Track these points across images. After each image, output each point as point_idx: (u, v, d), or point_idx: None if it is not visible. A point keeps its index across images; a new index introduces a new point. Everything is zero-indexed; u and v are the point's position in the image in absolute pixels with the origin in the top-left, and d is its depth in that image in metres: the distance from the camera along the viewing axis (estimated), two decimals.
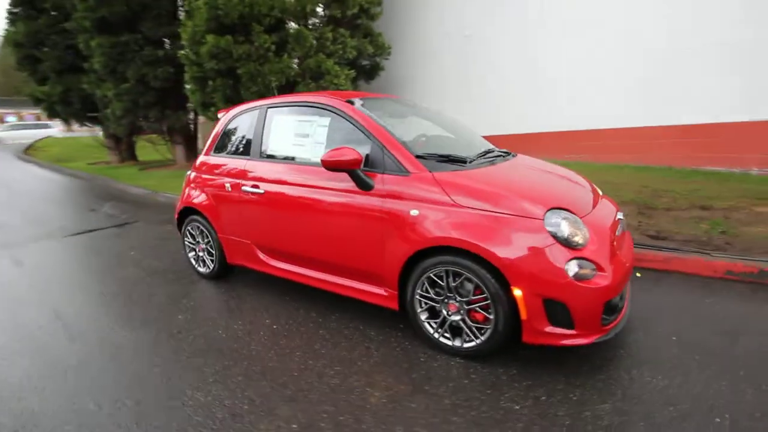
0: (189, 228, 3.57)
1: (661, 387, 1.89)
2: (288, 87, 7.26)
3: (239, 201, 3.05)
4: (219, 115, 3.52)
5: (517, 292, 1.94)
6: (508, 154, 2.82)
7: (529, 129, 7.94)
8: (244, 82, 7.02)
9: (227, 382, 2.10)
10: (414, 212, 2.19)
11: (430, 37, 9.16)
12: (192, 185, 3.49)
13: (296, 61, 7.36)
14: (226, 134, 3.33)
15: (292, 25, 7.38)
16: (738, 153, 5.87)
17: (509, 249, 1.95)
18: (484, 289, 2.03)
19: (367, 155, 2.39)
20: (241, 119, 3.26)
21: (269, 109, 3.00)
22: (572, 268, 1.90)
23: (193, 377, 2.14)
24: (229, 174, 3.16)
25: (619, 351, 2.19)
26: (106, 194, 8.05)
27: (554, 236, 1.93)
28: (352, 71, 7.69)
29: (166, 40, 9.92)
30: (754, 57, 5.58)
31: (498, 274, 1.99)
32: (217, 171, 3.27)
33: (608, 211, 2.38)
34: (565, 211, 2.03)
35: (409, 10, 9.29)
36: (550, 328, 1.95)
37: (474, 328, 2.13)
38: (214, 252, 3.39)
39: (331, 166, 2.32)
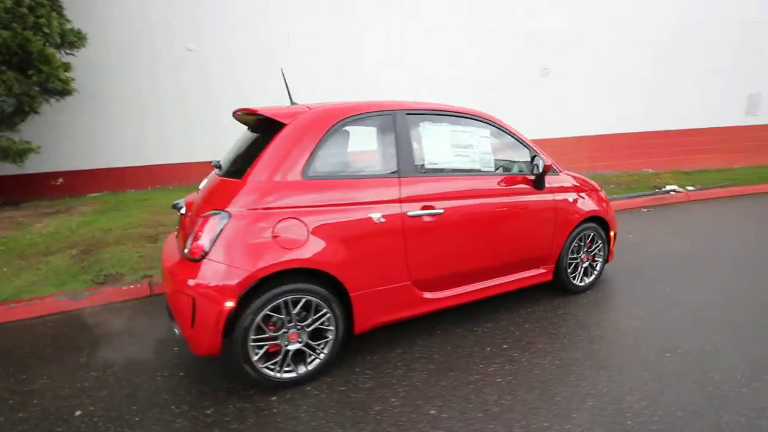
0: (268, 310, 1.99)
1: None
2: None
3: (401, 231, 2.30)
4: (281, 119, 2.18)
5: (612, 233, 3.38)
6: None
7: None
8: None
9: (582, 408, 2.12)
10: (570, 198, 3.05)
11: (130, 39, 7.14)
12: (272, 230, 1.99)
13: None
14: (331, 147, 2.22)
15: None
16: None
17: (607, 210, 3.34)
18: (598, 238, 3.29)
19: (527, 161, 2.89)
20: (357, 126, 2.32)
21: (409, 116, 2.45)
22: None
23: None
24: (374, 200, 2.24)
25: None
26: None
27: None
28: (69, 63, 5.02)
29: None
30: None
31: (605, 226, 3.32)
32: (338, 199, 2.16)
33: None
34: None
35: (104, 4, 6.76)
36: (612, 248, 3.54)
37: (590, 267, 3.33)
38: (333, 327, 2.18)
39: (548, 170, 2.69)
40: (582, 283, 3.25)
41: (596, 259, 3.34)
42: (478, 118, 2.75)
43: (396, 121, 2.41)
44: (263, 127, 2.38)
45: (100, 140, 7.25)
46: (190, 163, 7.72)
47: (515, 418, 1.87)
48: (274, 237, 1.99)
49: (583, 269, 3.25)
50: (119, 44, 7.03)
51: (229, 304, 1.90)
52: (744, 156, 9.43)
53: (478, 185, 2.63)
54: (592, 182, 3.42)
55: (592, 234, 3.23)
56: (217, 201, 2.08)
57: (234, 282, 1.90)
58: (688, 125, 9.52)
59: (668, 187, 7.59)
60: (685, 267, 3.74)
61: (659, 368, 2.22)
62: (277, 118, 2.19)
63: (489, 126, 2.79)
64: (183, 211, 2.35)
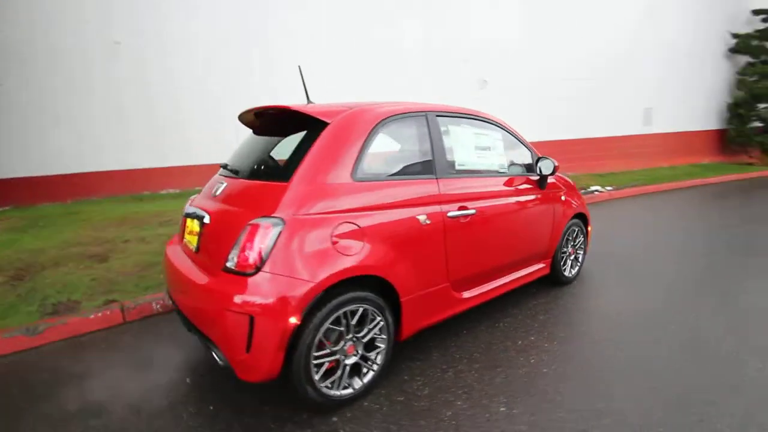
0: (329, 322, 1.83)
1: None
2: None
3: (442, 232, 2.29)
4: (323, 117, 2.03)
5: (589, 228, 3.74)
6: None
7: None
8: None
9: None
10: (563, 197, 3.31)
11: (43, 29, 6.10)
12: (331, 236, 1.85)
13: None
14: (375, 147, 2.12)
15: None
16: None
17: (585, 206, 3.68)
18: (581, 232, 3.62)
19: (529, 162, 3.08)
20: (396, 126, 2.26)
21: (439, 118, 2.46)
22: None
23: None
24: (419, 201, 2.19)
25: None
26: None
27: None
28: None
29: None
30: None
31: (585, 222, 3.66)
32: (388, 202, 2.08)
33: None
34: None
35: None
36: (589, 241, 3.91)
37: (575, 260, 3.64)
38: (385, 335, 2.08)
39: (557, 171, 2.88)
40: (570, 275, 3.54)
41: (578, 251, 3.67)
42: (490, 121, 2.86)
43: (428, 122, 2.41)
44: (289, 126, 2.22)
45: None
46: (119, 170, 6.82)
47: (580, 403, 1.97)
48: (333, 243, 1.85)
49: (570, 262, 3.55)
50: (24, 31, 5.96)
51: (293, 320, 1.71)
52: (641, 160, 11.11)
53: (498, 185, 2.74)
54: (573, 182, 3.76)
55: (576, 229, 3.55)
56: (258, 206, 1.87)
57: (299, 295, 1.71)
58: (595, 134, 10.93)
59: (592, 188, 8.62)
60: (638, 255, 4.28)
61: (669, 343, 2.51)
62: (320, 117, 2.04)
63: (499, 129, 2.92)
64: (207, 219, 2.05)
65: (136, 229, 4.83)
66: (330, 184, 1.93)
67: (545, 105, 9.85)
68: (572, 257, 3.57)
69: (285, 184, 1.89)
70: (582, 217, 3.62)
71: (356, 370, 2.01)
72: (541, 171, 2.96)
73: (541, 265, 3.23)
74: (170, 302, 2.48)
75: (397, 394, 2.08)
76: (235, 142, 2.97)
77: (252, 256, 1.73)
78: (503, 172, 2.85)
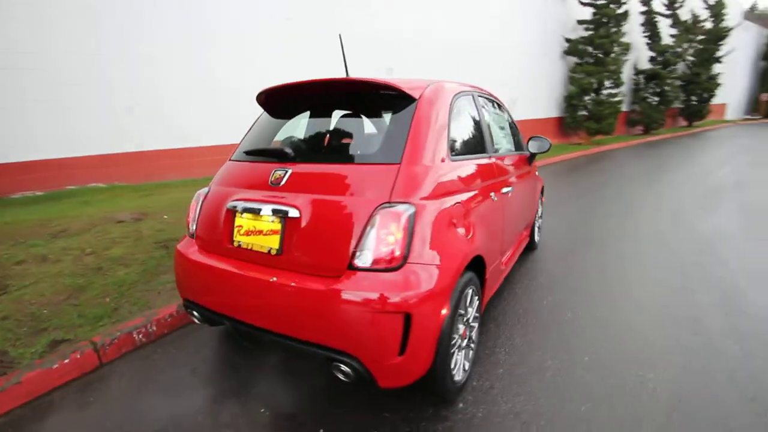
0: (458, 307, 1.75)
1: None
2: None
3: (501, 208, 2.39)
4: (411, 93, 1.85)
5: (543, 199, 4.30)
6: None
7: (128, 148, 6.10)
8: None
9: None
10: (537, 172, 3.73)
11: None
12: (452, 218, 1.76)
13: None
14: (452, 124, 2.03)
15: None
16: None
17: None
18: (540, 203, 4.14)
19: (519, 141, 3.37)
20: (462, 103, 2.22)
21: (479, 98, 2.49)
22: None
23: None
24: (487, 179, 2.23)
25: None
26: None
27: None
28: None
29: None
30: None
31: (542, 194, 4.20)
32: (473, 181, 2.06)
33: None
34: None
35: None
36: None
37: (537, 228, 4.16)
38: (478, 313, 2.10)
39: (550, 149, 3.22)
40: (537, 240, 4.05)
41: (539, 219, 4.21)
42: (498, 102, 3.02)
43: (475, 101, 2.43)
44: (334, 103, 2.03)
45: None
46: None
47: (631, 347, 2.32)
48: (455, 226, 1.76)
49: (536, 230, 4.05)
50: None
51: (444, 311, 1.59)
52: None
53: (514, 162, 2.93)
54: None
55: (539, 201, 4.06)
56: (371, 192, 1.63)
57: (447, 284, 1.59)
58: None
59: None
60: (559, 217, 5.12)
61: (652, 281, 3.13)
62: (409, 92, 1.86)
63: (506, 112, 3.11)
64: (294, 214, 1.67)
65: (22, 246, 3.55)
66: (436, 163, 1.81)
67: None
68: (537, 225, 4.08)
69: (395, 165, 1.69)
70: (542, 190, 4.15)
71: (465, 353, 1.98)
72: (535, 150, 3.27)
73: (525, 233, 3.60)
74: (191, 314, 1.98)
75: (493, 367, 2.12)
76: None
77: (394, 248, 1.52)
78: (513, 150, 3.07)
